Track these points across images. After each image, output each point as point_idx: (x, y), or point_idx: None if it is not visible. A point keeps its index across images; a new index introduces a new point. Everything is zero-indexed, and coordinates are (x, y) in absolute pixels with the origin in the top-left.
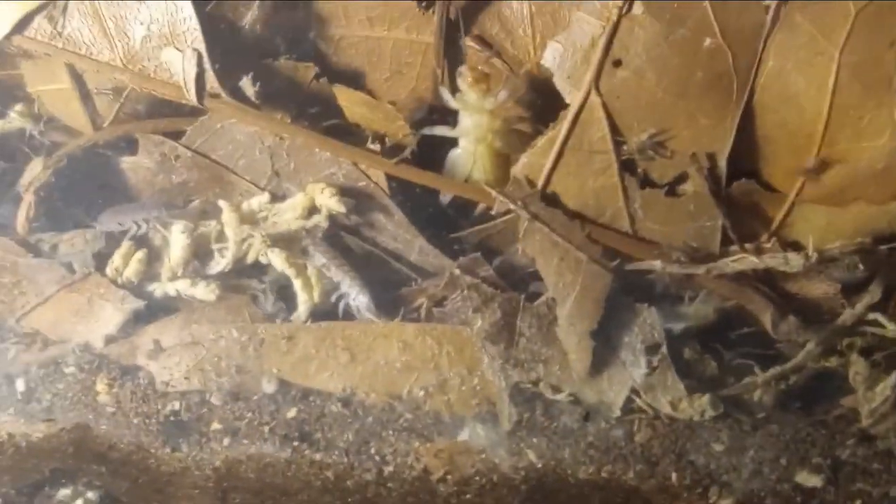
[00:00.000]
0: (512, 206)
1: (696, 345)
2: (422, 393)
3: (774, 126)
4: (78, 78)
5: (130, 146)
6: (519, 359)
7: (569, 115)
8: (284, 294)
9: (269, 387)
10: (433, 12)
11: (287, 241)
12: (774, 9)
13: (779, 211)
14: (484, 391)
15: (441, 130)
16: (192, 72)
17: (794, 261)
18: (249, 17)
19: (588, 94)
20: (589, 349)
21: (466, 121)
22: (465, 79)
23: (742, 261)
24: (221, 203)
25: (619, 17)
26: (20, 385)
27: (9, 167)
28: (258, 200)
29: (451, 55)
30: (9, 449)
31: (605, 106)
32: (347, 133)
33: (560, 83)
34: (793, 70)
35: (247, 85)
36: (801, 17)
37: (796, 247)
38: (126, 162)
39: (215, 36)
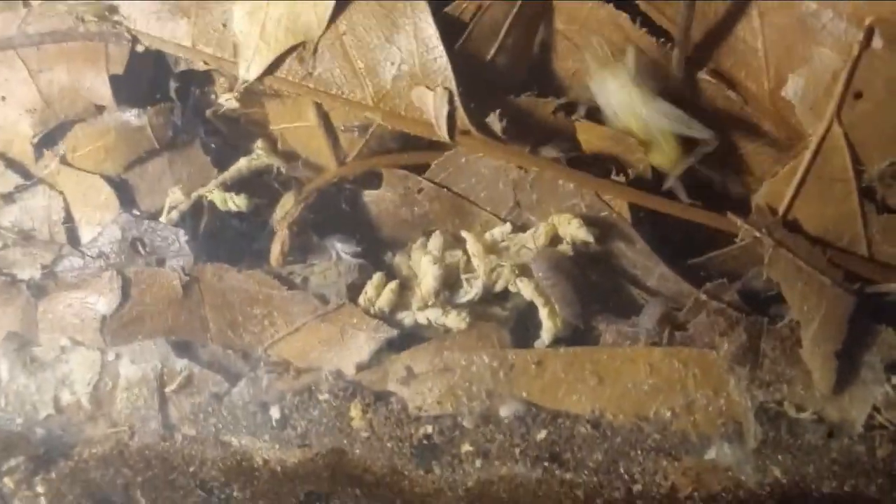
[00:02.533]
0: (757, 234)
1: None
2: (669, 413)
3: None
4: (324, 116)
5: (372, 180)
6: (764, 379)
7: (812, 145)
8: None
9: (519, 409)
10: (671, 47)
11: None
12: None
13: None
14: (729, 411)
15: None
16: (443, 110)
17: None
18: (493, 51)
19: (830, 125)
20: (833, 369)
21: (617, 105)
22: (592, 63)
23: None
24: (465, 234)
25: (860, 51)
26: (275, 412)
27: (260, 202)
28: (500, 230)
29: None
30: (265, 474)
31: (846, 136)
32: (587, 164)
33: (802, 114)
34: None
35: (494, 121)
36: None
37: None
38: (369, 195)
39: (463, 73)
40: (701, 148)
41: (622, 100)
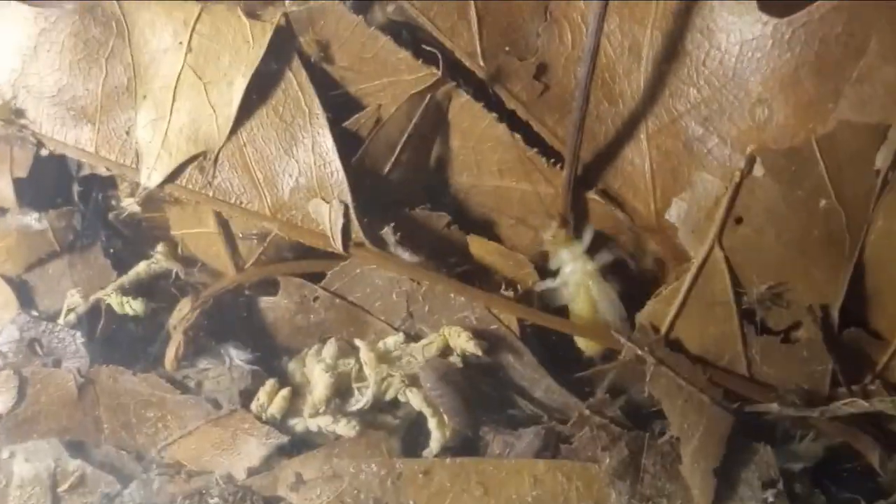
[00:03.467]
0: (639, 352)
1: (807, 480)
2: None
3: (882, 280)
4: (224, 224)
5: (269, 287)
6: (644, 494)
7: (693, 267)
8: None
9: None
10: (560, 167)
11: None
12: (884, 173)
13: (883, 356)
14: None
15: (549, 283)
16: (338, 222)
17: None
18: (389, 166)
19: (711, 248)
20: (711, 485)
21: (565, 270)
22: (547, 240)
23: (853, 404)
24: (358, 342)
25: (742, 178)
26: None
27: (158, 307)
28: (393, 340)
29: (576, 208)
30: None
31: (727, 260)
32: (478, 278)
33: (684, 237)
34: None
35: (388, 234)
36: None
37: None
38: (265, 302)
39: (360, 187)
40: None
41: (576, 274)
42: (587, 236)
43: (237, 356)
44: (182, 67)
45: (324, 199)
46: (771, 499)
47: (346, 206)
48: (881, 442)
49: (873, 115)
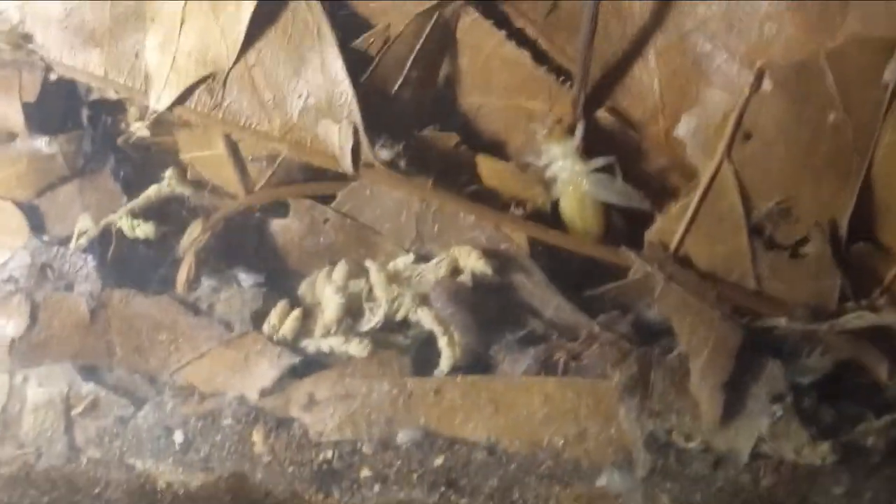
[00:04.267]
0: (649, 269)
1: (815, 395)
2: (561, 442)
3: (890, 194)
4: (233, 146)
5: (279, 209)
6: (653, 409)
7: (702, 183)
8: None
9: (417, 436)
10: (570, 85)
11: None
12: (892, 88)
13: (890, 270)
14: (620, 440)
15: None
16: (348, 143)
17: None
18: (398, 86)
19: (721, 164)
20: (720, 400)
21: (559, 171)
22: (541, 134)
23: (861, 318)
24: (369, 264)
25: (750, 93)
26: (179, 436)
27: (168, 230)
28: (403, 261)
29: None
30: (167, 497)
31: (736, 175)
32: (487, 198)
33: (693, 153)
34: None
35: (398, 155)
36: None
37: None
38: (276, 224)
39: (368, 107)
40: None
41: (566, 172)
42: (579, 133)
43: (245, 279)
44: None
45: (333, 120)
46: (779, 412)
47: (356, 127)
48: (889, 355)
49: (881, 30)
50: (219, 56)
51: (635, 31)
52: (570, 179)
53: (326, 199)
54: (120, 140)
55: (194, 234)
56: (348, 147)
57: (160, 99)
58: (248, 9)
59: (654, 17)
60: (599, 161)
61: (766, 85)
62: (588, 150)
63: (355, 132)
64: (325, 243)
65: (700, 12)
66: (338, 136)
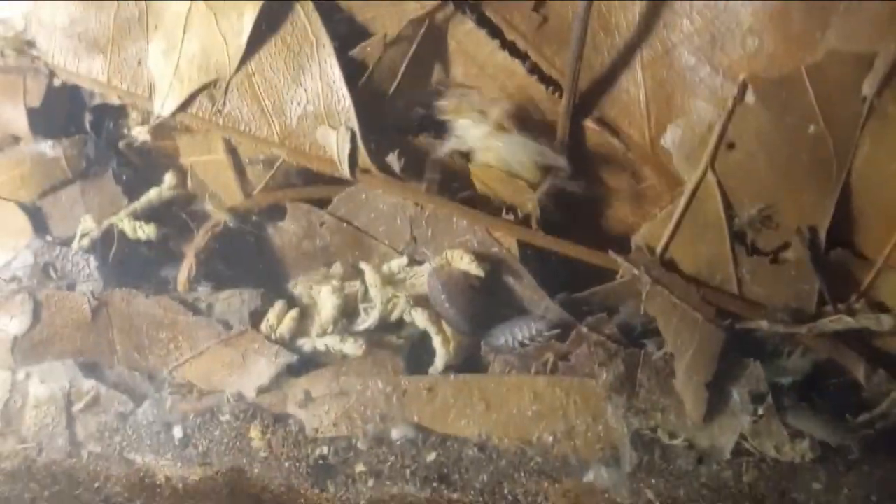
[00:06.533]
0: (636, 272)
1: (794, 395)
2: (551, 438)
3: (867, 203)
4: (232, 151)
5: (277, 212)
6: (639, 408)
7: (687, 191)
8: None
9: (410, 432)
10: (559, 96)
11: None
12: (870, 101)
13: (868, 275)
14: (607, 437)
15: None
16: (345, 148)
17: (886, 322)
18: (391, 92)
19: (705, 172)
20: (704, 399)
21: (468, 137)
22: (446, 109)
23: (839, 321)
24: (364, 265)
25: (734, 105)
26: (178, 432)
27: (168, 231)
28: (397, 263)
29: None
30: (167, 491)
31: (719, 184)
32: (479, 203)
33: (679, 162)
34: (884, 155)
35: (393, 160)
36: (893, 109)
37: (881, 308)
38: (273, 227)
39: (364, 113)
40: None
41: (481, 137)
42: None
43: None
44: None
45: (331, 126)
46: (760, 411)
47: (353, 133)
48: (866, 357)
49: (860, 46)
50: (221, 63)
51: (622, 45)
52: (486, 146)
53: (323, 203)
54: (121, 144)
55: (200, 238)
56: (346, 152)
57: (164, 105)
58: (250, 17)
59: (641, 31)
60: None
61: (749, 97)
62: (575, 159)
63: (353, 138)
64: (321, 245)
65: (685, 27)
66: (336, 142)
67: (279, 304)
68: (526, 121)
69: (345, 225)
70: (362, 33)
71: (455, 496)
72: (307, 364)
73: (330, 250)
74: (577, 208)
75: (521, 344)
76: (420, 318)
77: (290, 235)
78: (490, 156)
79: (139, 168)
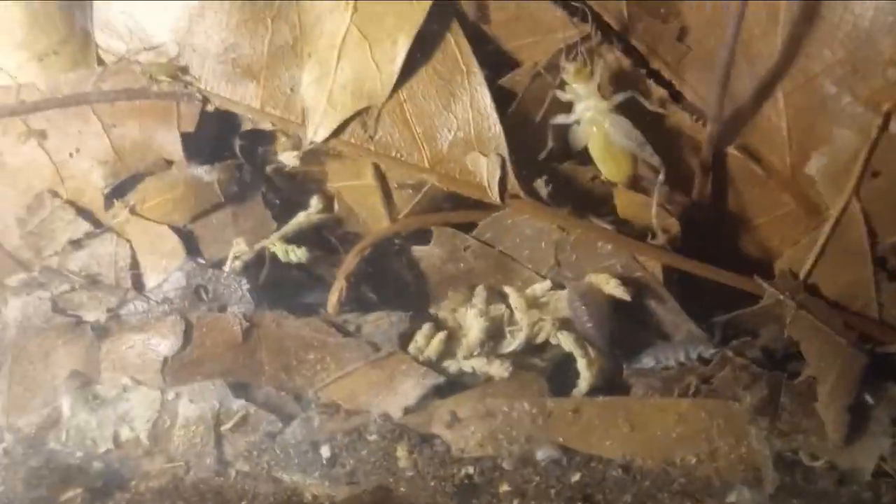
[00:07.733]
0: (780, 297)
1: None
2: (694, 459)
3: None
4: (381, 176)
5: (422, 236)
6: (782, 430)
7: (831, 218)
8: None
9: (555, 453)
10: (703, 123)
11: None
12: None
13: None
14: (750, 458)
15: (562, 119)
16: (496, 174)
17: None
18: (540, 114)
19: (849, 200)
20: (845, 422)
21: (579, 107)
22: (568, 72)
23: None
24: (508, 289)
25: (879, 134)
26: (325, 451)
27: (318, 255)
28: (541, 287)
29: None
30: None
31: (863, 211)
32: (622, 229)
33: (824, 189)
34: None
35: (540, 186)
36: None
37: None
38: (418, 251)
39: (512, 140)
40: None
41: (589, 109)
42: (598, 72)
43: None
44: (348, 27)
45: (481, 153)
46: None
47: (504, 159)
48: None
49: None
50: (374, 90)
51: (764, 74)
52: (593, 119)
53: (467, 228)
54: (269, 169)
55: (346, 259)
56: (496, 178)
57: (317, 131)
58: (403, 45)
59: (782, 61)
60: (619, 97)
61: (894, 127)
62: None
63: (503, 164)
64: (465, 269)
65: (826, 57)
66: (486, 168)
67: (427, 327)
68: None
69: (489, 249)
70: (508, 61)
71: None
72: (452, 385)
73: (473, 274)
74: (713, 232)
75: (665, 367)
76: (567, 341)
77: (434, 259)
78: (595, 130)
79: (284, 192)
